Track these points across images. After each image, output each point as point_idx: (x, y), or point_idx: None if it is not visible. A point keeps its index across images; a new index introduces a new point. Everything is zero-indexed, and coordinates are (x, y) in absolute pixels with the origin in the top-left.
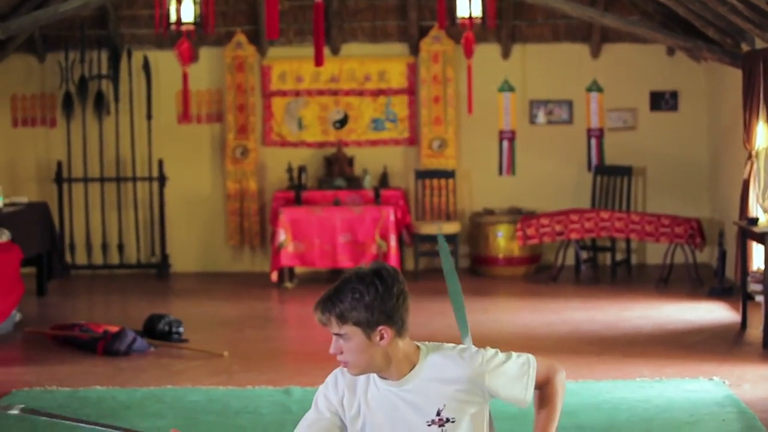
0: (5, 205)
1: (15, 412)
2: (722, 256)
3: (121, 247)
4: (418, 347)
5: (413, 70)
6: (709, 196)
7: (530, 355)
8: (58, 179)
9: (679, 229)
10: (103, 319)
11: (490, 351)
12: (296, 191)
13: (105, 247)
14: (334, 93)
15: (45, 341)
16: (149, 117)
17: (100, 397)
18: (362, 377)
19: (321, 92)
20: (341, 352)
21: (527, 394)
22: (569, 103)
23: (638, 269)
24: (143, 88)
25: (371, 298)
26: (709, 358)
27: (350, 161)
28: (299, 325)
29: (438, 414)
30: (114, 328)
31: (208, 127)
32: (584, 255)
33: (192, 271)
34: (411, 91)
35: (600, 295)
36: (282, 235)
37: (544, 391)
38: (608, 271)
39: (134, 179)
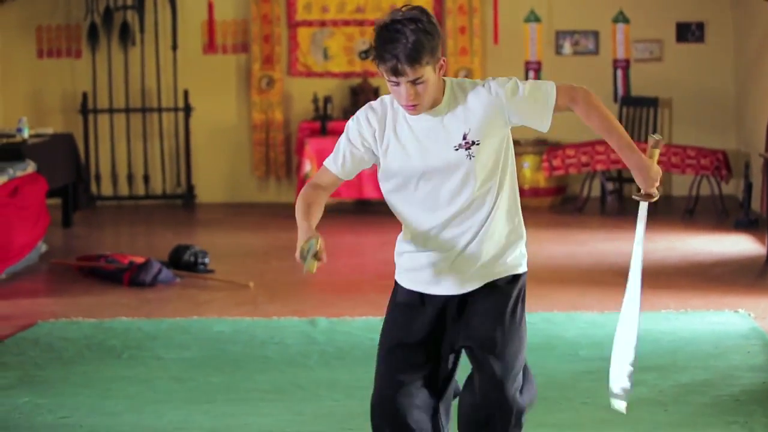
0: (30, 136)
1: None
2: (748, 188)
3: (146, 178)
4: (444, 80)
5: (439, 1)
6: (735, 127)
7: (550, 82)
8: (84, 110)
9: (705, 160)
10: (129, 250)
11: (512, 80)
12: (322, 121)
13: (130, 178)
14: (360, 23)
15: (71, 272)
16: (174, 47)
17: (125, 328)
18: (390, 112)
19: (347, 22)
20: (414, 96)
21: (546, 119)
22: (595, 34)
23: (664, 201)
24: (168, 19)
25: (437, 36)
26: (734, 290)
27: (376, 91)
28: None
29: (464, 138)
30: (140, 259)
31: (234, 57)
32: (610, 186)
33: (218, 202)
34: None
35: (625, 226)
36: (308, 166)
37: (586, 112)
38: (634, 202)
39: (159, 110)
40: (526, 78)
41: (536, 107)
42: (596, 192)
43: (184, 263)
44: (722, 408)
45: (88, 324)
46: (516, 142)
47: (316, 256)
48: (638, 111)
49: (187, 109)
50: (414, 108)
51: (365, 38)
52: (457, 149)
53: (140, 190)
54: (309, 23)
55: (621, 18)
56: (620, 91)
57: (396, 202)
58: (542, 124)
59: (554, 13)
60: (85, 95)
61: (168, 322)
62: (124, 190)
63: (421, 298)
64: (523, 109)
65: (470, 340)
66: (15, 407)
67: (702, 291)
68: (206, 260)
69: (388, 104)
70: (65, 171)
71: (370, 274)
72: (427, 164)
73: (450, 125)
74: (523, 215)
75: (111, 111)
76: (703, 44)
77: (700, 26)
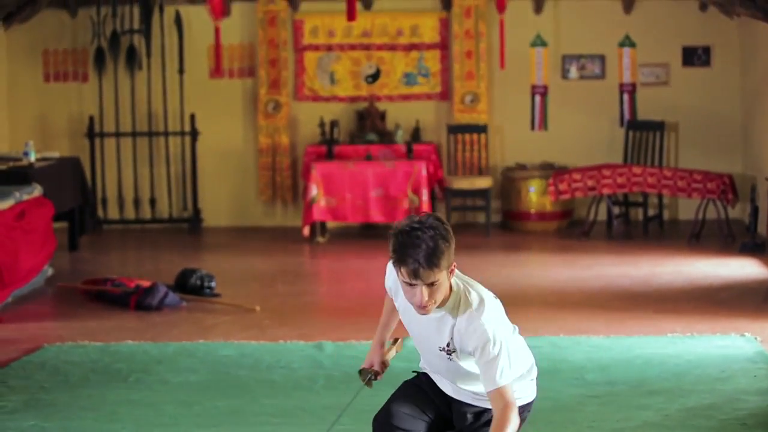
0: (37, 159)
1: None
2: (754, 211)
3: (153, 202)
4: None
5: (445, 25)
6: (741, 151)
7: (508, 378)
8: (90, 134)
9: (712, 184)
10: (135, 274)
11: (497, 347)
12: (328, 146)
13: (137, 201)
14: (366, 47)
15: (77, 296)
16: (181, 71)
17: (131, 352)
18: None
19: (353, 47)
20: (429, 300)
21: (487, 387)
22: (602, 58)
23: (670, 225)
24: (175, 43)
25: (452, 242)
26: (740, 314)
27: (382, 116)
28: (331, 280)
29: (447, 345)
30: (146, 283)
31: (240, 81)
32: (616, 210)
33: (224, 226)
34: (443, 45)
35: (632, 250)
36: (314, 190)
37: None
38: (640, 226)
39: (166, 134)
40: (533, 104)
41: (488, 378)
42: (602, 216)
43: (191, 287)
44: None
45: (94, 348)
46: (522, 167)
47: (370, 382)
48: (644, 135)
49: (194, 133)
50: (425, 309)
51: (371, 62)
52: (441, 350)
53: (147, 213)
54: (315, 47)
55: (627, 42)
56: (626, 115)
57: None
58: (485, 389)
59: (561, 38)
60: (91, 119)
61: (174, 345)
62: (130, 213)
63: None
64: (481, 372)
65: None
66: (21, 431)
67: (708, 315)
68: (213, 284)
69: None
70: (72, 195)
71: (377, 298)
72: (421, 342)
73: (442, 327)
74: (529, 240)
75: (117, 135)
76: (709, 68)
77: (707, 50)
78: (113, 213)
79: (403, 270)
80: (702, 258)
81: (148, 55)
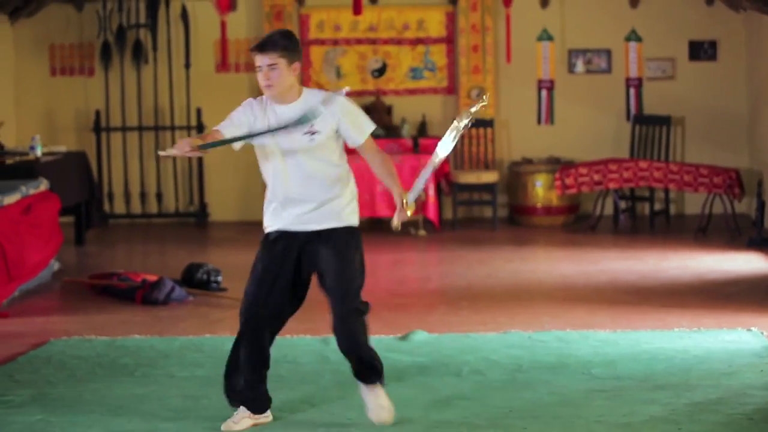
0: (44, 154)
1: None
2: (761, 206)
3: (159, 196)
4: (301, 87)
5: (452, 19)
6: (747, 146)
7: (372, 128)
8: (97, 128)
9: (718, 179)
10: (142, 268)
11: (350, 103)
12: None
13: (143, 196)
14: (373, 42)
15: (83, 290)
16: (187, 66)
17: (138, 347)
18: (262, 106)
19: (359, 41)
20: (269, 78)
21: (360, 140)
22: (608, 53)
23: (677, 219)
24: (181, 37)
25: (294, 42)
26: (747, 308)
27: (389, 110)
28: None
29: (311, 126)
30: (152, 277)
31: (247, 75)
32: (623, 205)
33: (230, 220)
34: (449, 39)
35: (638, 245)
36: None
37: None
38: (647, 221)
39: (172, 128)
40: (539, 99)
41: (356, 132)
42: (609, 210)
43: (197, 281)
44: (735, 427)
45: (100, 342)
46: (529, 161)
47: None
48: (651, 129)
49: (200, 128)
50: (269, 88)
51: (378, 57)
52: (304, 134)
53: (153, 208)
54: (322, 42)
55: (633, 36)
56: (633, 110)
57: None
58: (356, 142)
59: (567, 32)
60: (98, 113)
61: (181, 340)
62: (136, 208)
63: None
64: (347, 128)
65: None
66: (28, 425)
67: (715, 309)
68: (219, 278)
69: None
70: (78, 189)
71: (383, 293)
72: (285, 159)
73: (301, 115)
74: (535, 234)
75: (124, 129)
76: (715, 62)
77: (713, 44)
78: (119, 207)
79: (253, 54)
80: (708, 253)
81: (155, 49)
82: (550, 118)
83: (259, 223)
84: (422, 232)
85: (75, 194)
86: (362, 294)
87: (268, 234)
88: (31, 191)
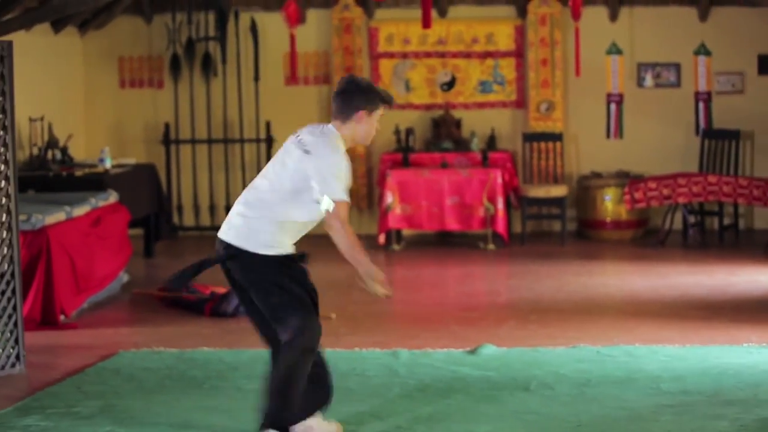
0: (113, 166)
1: None
2: None
3: (228, 209)
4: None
5: (521, 33)
6: None
7: (339, 198)
8: (166, 141)
9: None
10: (211, 281)
11: (334, 160)
12: (404, 153)
13: (212, 208)
14: (442, 55)
15: (152, 302)
16: (256, 79)
17: (206, 359)
18: None
19: (428, 54)
20: None
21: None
22: (677, 66)
23: (746, 234)
24: (250, 50)
25: None
26: None
27: (458, 123)
28: (406, 288)
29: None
30: (221, 290)
31: (316, 88)
32: (692, 219)
33: None
34: (519, 53)
35: (707, 259)
36: (389, 198)
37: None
38: (716, 235)
39: (242, 141)
40: (608, 113)
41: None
42: (678, 225)
43: None
44: None
45: (169, 354)
46: (597, 175)
47: None
48: (720, 144)
49: (269, 141)
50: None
51: (447, 70)
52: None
53: (222, 220)
54: (391, 55)
55: (703, 50)
56: (702, 124)
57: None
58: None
59: (636, 46)
60: (167, 126)
61: (249, 352)
62: (205, 220)
63: None
64: (316, 184)
65: None
66: None
67: None
68: None
69: None
70: (147, 201)
71: (452, 306)
72: None
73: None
74: (604, 249)
75: (193, 142)
76: None
77: None
78: (188, 220)
79: (384, 108)
80: None
81: (224, 62)
82: (619, 132)
83: (328, 237)
84: (491, 246)
85: (144, 206)
86: (435, 307)
87: (286, 256)
88: (101, 203)
